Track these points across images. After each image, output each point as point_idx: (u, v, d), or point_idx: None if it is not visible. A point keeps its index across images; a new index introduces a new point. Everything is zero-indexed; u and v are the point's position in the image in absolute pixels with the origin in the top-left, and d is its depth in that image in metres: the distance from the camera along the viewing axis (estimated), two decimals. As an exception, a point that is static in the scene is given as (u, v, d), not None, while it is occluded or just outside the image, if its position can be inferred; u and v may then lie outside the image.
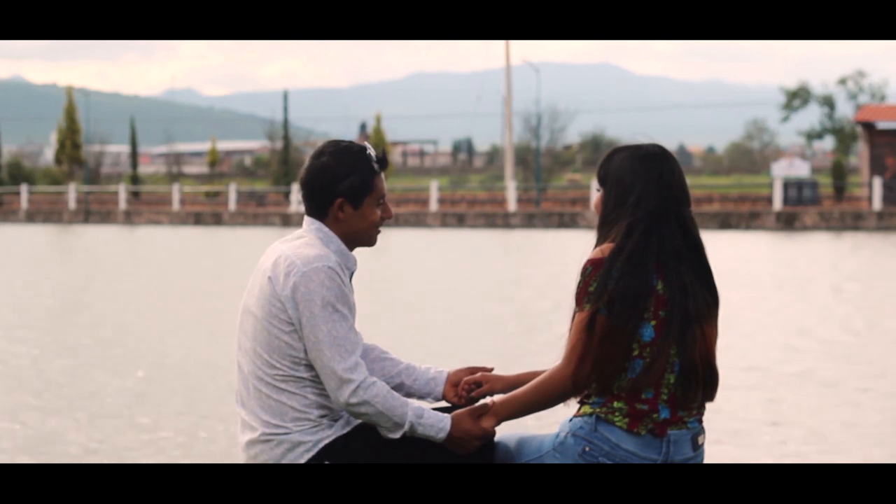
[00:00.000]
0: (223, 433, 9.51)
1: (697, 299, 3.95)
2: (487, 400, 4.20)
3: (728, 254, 30.27)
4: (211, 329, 16.31)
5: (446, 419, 4.05)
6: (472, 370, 4.38)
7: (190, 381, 12.06)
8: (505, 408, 4.07)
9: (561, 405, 4.06)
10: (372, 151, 4.17)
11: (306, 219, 4.20)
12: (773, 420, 10.07)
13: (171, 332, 16.11)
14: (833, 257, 30.81)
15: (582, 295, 3.93)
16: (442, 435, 4.03)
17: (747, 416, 10.14)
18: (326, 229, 4.15)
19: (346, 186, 4.12)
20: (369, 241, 4.23)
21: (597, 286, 3.90)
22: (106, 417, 10.24)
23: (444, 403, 4.36)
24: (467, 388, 4.31)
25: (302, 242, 4.12)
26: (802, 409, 10.53)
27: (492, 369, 4.38)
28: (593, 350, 3.90)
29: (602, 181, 4.08)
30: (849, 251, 32.84)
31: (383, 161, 4.19)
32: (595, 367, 3.91)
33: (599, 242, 4.02)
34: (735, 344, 14.10)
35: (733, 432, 9.49)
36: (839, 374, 12.34)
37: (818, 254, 32.17)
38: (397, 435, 4.02)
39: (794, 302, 19.57)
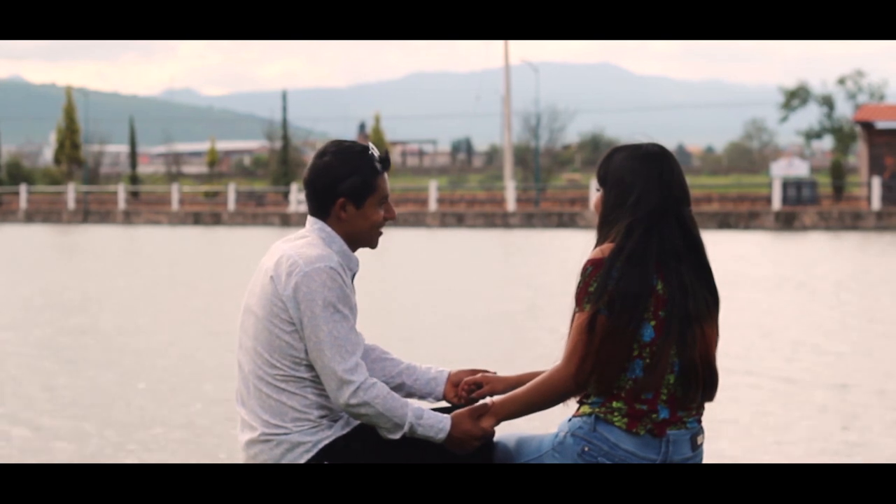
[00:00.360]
0: (222, 433, 9.51)
1: (697, 299, 3.95)
2: (487, 400, 4.19)
3: (723, 254, 30.26)
4: (210, 328, 16.31)
5: (446, 420, 4.04)
6: (474, 371, 4.38)
7: (189, 379, 12.06)
8: (504, 408, 4.07)
9: (560, 405, 4.05)
10: (375, 151, 4.17)
11: (309, 218, 4.20)
12: (755, 420, 10.08)
13: (169, 331, 16.11)
14: (829, 257, 30.81)
15: (582, 295, 3.92)
16: (442, 435, 4.03)
17: (729, 417, 10.15)
18: (329, 229, 4.15)
19: (348, 186, 4.12)
20: (371, 241, 4.22)
21: (597, 286, 3.90)
22: (103, 417, 10.23)
23: (444, 403, 4.36)
24: (468, 389, 4.31)
25: (304, 242, 4.12)
26: (787, 409, 10.53)
27: (494, 372, 4.37)
28: (594, 350, 3.89)
29: (602, 181, 4.07)
30: (845, 251, 32.84)
31: (386, 161, 4.19)
32: (596, 367, 3.90)
33: (599, 242, 4.01)
34: (722, 345, 14.12)
35: (715, 433, 9.49)
36: (823, 374, 12.35)
37: (815, 254, 32.17)
38: (397, 436, 4.02)
39: (785, 302, 19.58)
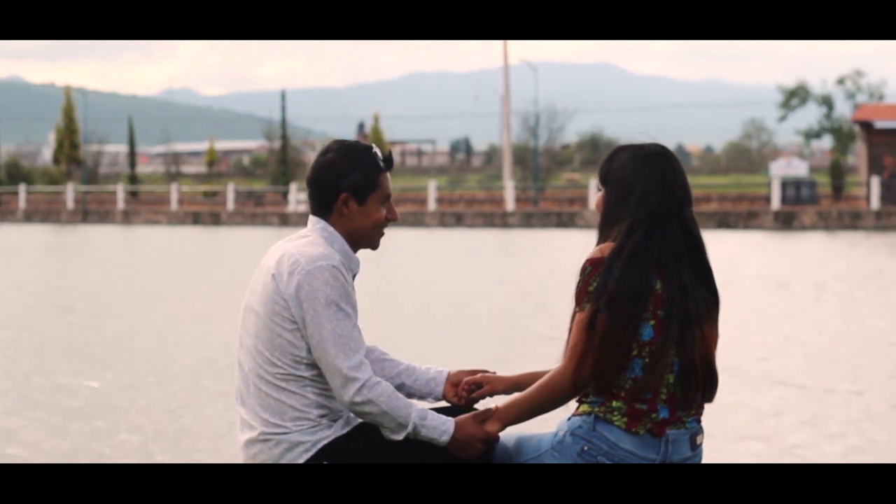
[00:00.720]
0: (222, 432, 9.51)
1: (697, 299, 3.95)
2: (491, 405, 4.19)
3: (718, 254, 30.26)
4: (209, 328, 16.31)
5: (450, 422, 4.03)
6: (473, 371, 4.38)
7: (188, 379, 12.05)
8: (509, 412, 4.06)
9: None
10: (378, 151, 4.21)
11: (311, 218, 4.21)
12: (733, 420, 10.08)
13: (168, 331, 16.10)
14: (824, 257, 30.79)
15: (582, 295, 3.92)
16: (445, 438, 4.02)
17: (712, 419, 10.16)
18: (331, 229, 4.16)
19: (351, 182, 4.14)
20: (372, 241, 4.23)
21: (597, 286, 3.89)
22: (102, 417, 10.23)
23: (444, 403, 4.35)
24: (468, 389, 4.30)
25: (306, 241, 4.14)
26: (767, 410, 10.54)
27: (494, 372, 4.37)
28: (594, 350, 3.89)
29: (604, 180, 4.07)
30: (843, 250, 32.83)
31: (389, 160, 4.22)
32: (595, 367, 3.90)
33: (600, 242, 4.01)
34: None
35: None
36: (808, 374, 12.35)
37: (812, 253, 32.16)
38: (400, 436, 4.01)
39: (773, 301, 19.58)
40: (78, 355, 13.89)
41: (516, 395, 4.11)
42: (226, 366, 12.75)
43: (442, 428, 4.02)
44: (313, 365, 4.05)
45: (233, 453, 8.56)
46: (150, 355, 13.81)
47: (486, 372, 4.36)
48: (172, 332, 15.97)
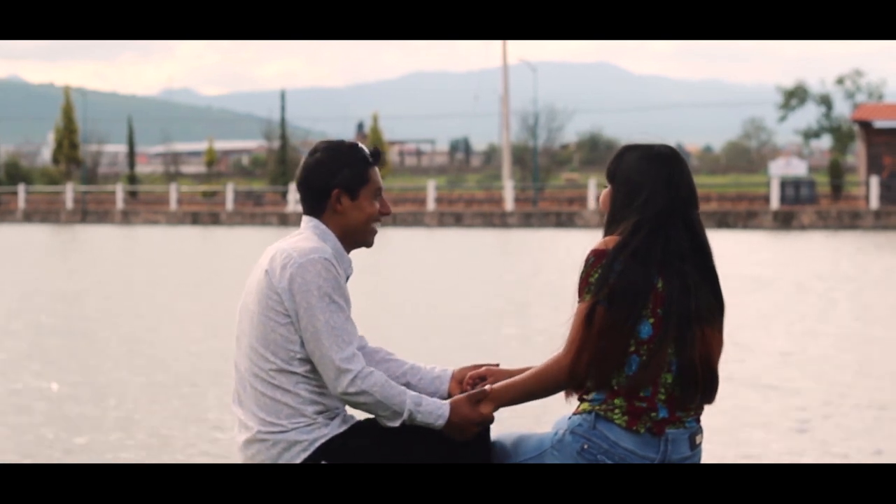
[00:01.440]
0: (220, 433, 9.51)
1: (700, 300, 3.95)
2: (486, 386, 4.20)
3: (719, 254, 30.26)
4: (207, 329, 16.31)
5: (444, 406, 4.06)
6: (477, 366, 4.38)
7: (187, 380, 12.06)
8: (503, 394, 4.08)
9: (562, 402, 4.06)
10: (364, 147, 4.24)
11: (304, 218, 4.24)
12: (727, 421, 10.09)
13: (166, 331, 16.11)
14: (820, 257, 30.78)
15: (584, 285, 3.93)
16: (441, 422, 4.04)
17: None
18: (323, 226, 4.19)
19: (341, 178, 4.18)
20: (367, 237, 4.25)
21: (598, 278, 3.91)
22: (101, 416, 10.23)
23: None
24: (472, 383, 4.31)
25: (299, 238, 4.18)
26: (759, 412, 10.54)
27: (497, 365, 4.38)
28: (591, 342, 3.90)
29: (611, 178, 4.09)
30: (842, 250, 32.82)
31: (376, 154, 4.26)
32: (592, 360, 3.91)
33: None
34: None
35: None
36: (801, 375, 12.36)
37: (804, 253, 32.15)
38: (396, 423, 4.03)
39: (757, 302, 19.58)
40: (82, 355, 13.89)
41: (512, 378, 4.12)
42: (223, 366, 12.75)
43: (437, 412, 4.04)
44: (306, 360, 4.06)
45: (230, 453, 8.56)
46: (148, 354, 13.81)
47: (490, 365, 4.37)
48: (172, 332, 15.97)
